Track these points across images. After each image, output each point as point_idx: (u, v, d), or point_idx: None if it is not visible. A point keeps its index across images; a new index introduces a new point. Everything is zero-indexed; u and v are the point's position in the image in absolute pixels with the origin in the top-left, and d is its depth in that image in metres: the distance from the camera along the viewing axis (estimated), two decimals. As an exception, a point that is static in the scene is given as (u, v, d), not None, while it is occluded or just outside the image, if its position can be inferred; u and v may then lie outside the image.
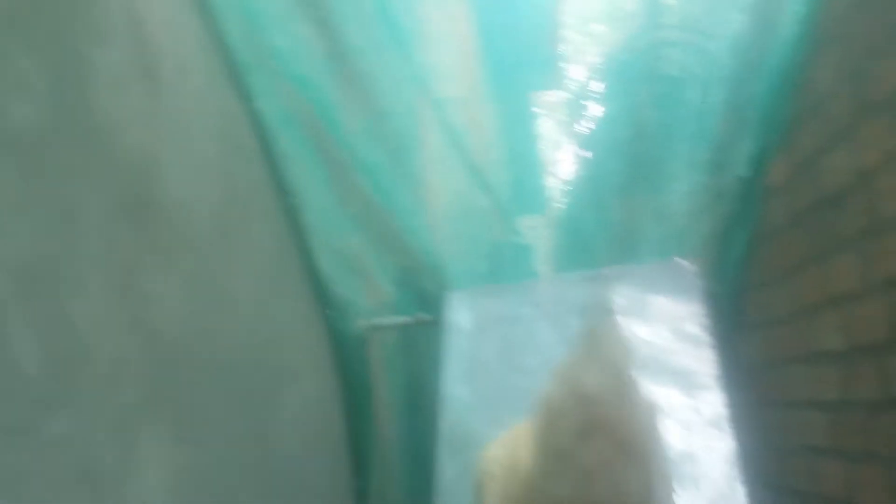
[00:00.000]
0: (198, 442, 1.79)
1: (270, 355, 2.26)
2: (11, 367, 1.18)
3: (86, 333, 1.36)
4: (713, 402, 2.58)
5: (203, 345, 1.80)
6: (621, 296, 2.84)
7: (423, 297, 2.93)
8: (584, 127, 2.80)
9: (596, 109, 2.78)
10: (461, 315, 2.90)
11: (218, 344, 1.89)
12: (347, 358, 2.76)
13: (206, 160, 1.93)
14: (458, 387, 2.68)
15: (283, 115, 2.31)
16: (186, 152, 1.80)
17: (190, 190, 1.79)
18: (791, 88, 2.29)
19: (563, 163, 2.90)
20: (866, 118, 1.87)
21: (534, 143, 2.80)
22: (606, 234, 2.93)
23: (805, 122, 2.22)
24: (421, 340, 2.88)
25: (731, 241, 2.68)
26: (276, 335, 2.34)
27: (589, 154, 2.82)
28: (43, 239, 1.26)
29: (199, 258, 1.82)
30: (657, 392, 2.62)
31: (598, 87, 2.76)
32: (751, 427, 2.61)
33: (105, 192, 1.45)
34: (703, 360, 2.66)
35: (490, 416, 2.23)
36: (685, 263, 2.84)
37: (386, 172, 2.51)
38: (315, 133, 2.37)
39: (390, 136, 2.48)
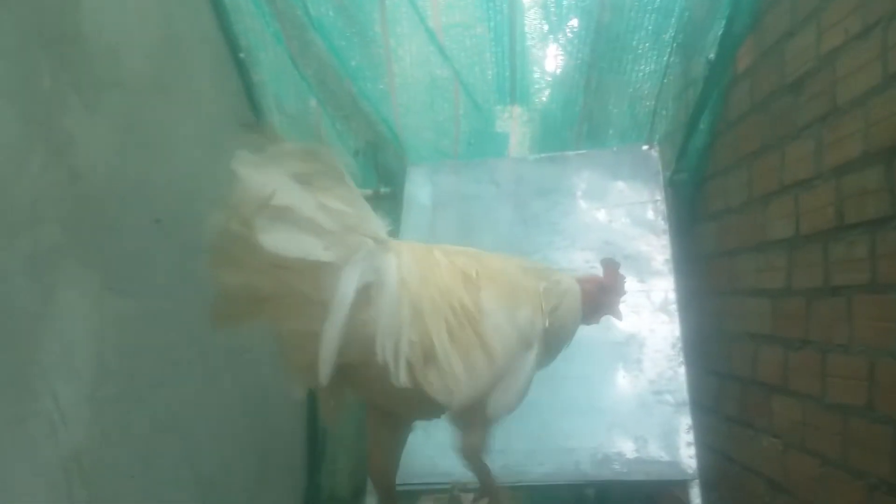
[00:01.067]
0: (131, 293, 1.76)
1: (215, 215, 2.21)
2: None
3: (-5, 165, 1.31)
4: (664, 288, 2.58)
5: (136, 194, 1.75)
6: (582, 179, 2.82)
7: (383, 170, 2.88)
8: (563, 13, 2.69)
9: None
10: (420, 190, 2.86)
11: (154, 195, 1.84)
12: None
13: (141, 3, 1.84)
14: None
15: (232, -38, 2.20)
16: (118, -8, 1.71)
17: (121, 31, 1.71)
18: (762, -31, 2.21)
19: (538, 50, 2.80)
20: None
21: (512, 32, 2.68)
22: (574, 119, 2.86)
23: (775, 5, 2.16)
24: (379, 213, 2.83)
25: (696, 128, 2.63)
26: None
27: (565, 38, 2.72)
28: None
29: (130, 104, 1.75)
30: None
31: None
32: (698, 314, 2.63)
33: (21, 22, 1.38)
34: (657, 247, 2.66)
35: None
36: (649, 150, 2.80)
37: (339, 31, 2.40)
38: (264, -16, 2.27)
39: (343, -10, 2.37)
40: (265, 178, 1.18)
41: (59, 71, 1.49)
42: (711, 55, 2.43)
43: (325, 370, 1.22)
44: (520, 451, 2.39)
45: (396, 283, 1.35)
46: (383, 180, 2.90)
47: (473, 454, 1.56)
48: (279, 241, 1.18)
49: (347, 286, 1.24)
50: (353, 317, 1.25)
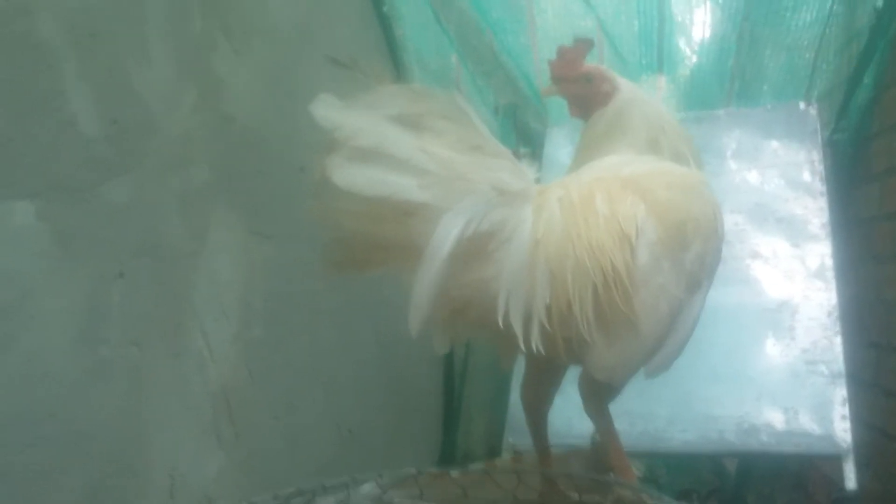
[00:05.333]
0: (275, 238, 1.79)
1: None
2: (67, 124, 1.18)
3: (150, 103, 1.35)
4: (820, 254, 2.44)
5: (281, 141, 1.78)
6: (732, 139, 2.69)
7: (523, 130, 2.84)
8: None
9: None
10: (561, 150, 2.80)
11: (298, 143, 1.85)
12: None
13: (290, -49, 1.86)
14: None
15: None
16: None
17: (269, -22, 1.73)
18: None
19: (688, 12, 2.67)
20: None
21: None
22: (725, 75, 2.73)
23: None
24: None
25: (859, 83, 2.45)
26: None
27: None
28: (102, -2, 1.23)
29: (275, 50, 1.78)
30: (762, 241, 2.51)
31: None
32: (855, 281, 2.47)
33: (175, -36, 1.41)
34: (813, 210, 2.51)
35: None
36: (806, 108, 2.64)
37: (481, -20, 2.37)
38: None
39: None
40: (346, 119, 1.12)
41: (209, 15, 1.52)
42: (879, 2, 2.25)
43: (414, 325, 1.13)
44: (661, 416, 2.31)
45: (529, 240, 1.22)
46: (523, 140, 2.86)
47: (599, 413, 1.46)
48: (358, 180, 1.10)
49: (446, 232, 1.12)
50: (467, 271, 1.17)
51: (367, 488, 1.23)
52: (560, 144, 2.83)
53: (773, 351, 2.38)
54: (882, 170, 2.39)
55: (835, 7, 2.41)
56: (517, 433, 2.33)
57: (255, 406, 1.71)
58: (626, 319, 1.26)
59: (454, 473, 1.34)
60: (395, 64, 2.43)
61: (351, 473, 1.27)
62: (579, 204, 1.29)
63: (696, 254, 1.36)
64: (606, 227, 1.28)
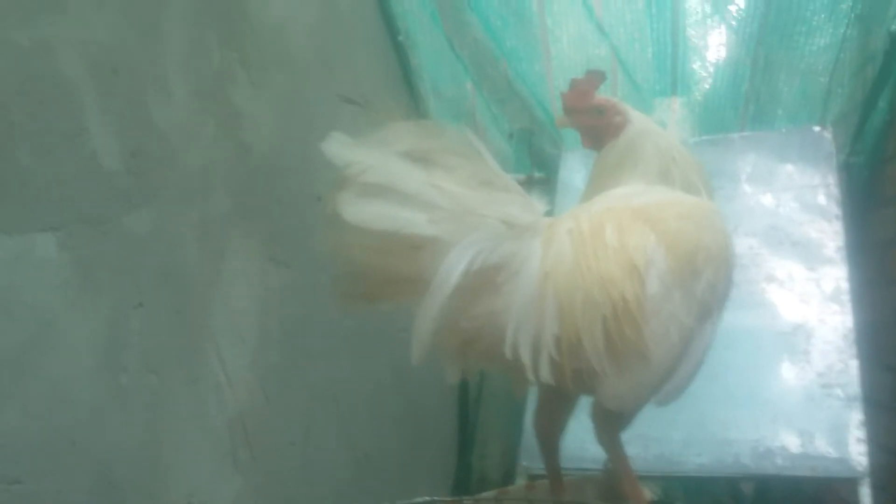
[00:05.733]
0: (292, 265, 1.82)
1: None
2: (89, 158, 1.21)
3: (169, 135, 1.38)
4: (835, 277, 2.44)
5: (298, 170, 1.81)
6: (746, 162, 2.69)
7: (537, 155, 2.86)
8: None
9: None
10: (576, 175, 2.81)
11: (313, 171, 1.86)
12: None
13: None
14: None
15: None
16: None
17: (285, 10, 1.77)
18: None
19: (701, 26, 2.69)
20: None
21: (675, 7, 2.58)
22: (739, 99, 2.74)
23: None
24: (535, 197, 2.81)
25: (874, 107, 2.46)
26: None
27: (731, 12, 2.60)
28: (123, 31, 1.26)
29: (293, 80, 1.81)
30: (777, 264, 2.51)
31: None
32: (872, 304, 2.46)
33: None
34: (829, 234, 2.51)
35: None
36: (821, 131, 2.64)
37: (496, 11, 2.39)
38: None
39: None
40: (357, 156, 1.13)
41: (227, 48, 1.56)
42: (894, 26, 2.26)
43: (416, 354, 1.14)
44: (676, 440, 2.31)
45: (537, 273, 1.23)
46: (537, 165, 2.87)
47: (611, 441, 1.47)
48: (368, 215, 1.12)
49: (453, 264, 1.14)
50: (477, 303, 1.19)
51: (380, 517, 1.24)
52: (575, 169, 2.84)
53: (789, 374, 2.38)
54: (897, 194, 2.40)
55: (849, 31, 2.42)
56: (531, 457, 2.33)
57: (272, 431, 1.73)
58: (636, 350, 1.27)
59: (467, 501, 1.35)
60: (411, 92, 2.46)
61: (366, 500, 1.29)
62: (589, 236, 1.30)
63: (708, 282, 1.36)
64: (616, 258, 1.28)
